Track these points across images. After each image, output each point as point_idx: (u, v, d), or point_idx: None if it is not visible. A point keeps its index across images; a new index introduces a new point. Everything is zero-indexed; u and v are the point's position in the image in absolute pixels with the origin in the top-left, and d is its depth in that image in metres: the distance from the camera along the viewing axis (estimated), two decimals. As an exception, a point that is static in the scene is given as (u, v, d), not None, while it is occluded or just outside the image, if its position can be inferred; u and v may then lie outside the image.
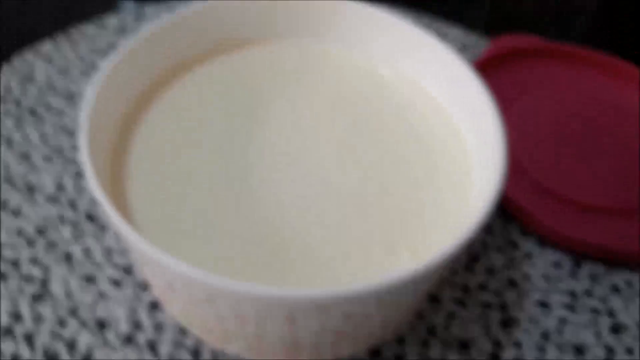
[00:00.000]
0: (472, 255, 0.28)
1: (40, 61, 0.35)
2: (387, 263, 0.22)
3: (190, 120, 0.26)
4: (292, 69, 0.28)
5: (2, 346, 0.24)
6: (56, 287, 0.26)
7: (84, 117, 0.21)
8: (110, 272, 0.26)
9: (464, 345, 0.25)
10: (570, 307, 0.27)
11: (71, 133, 0.32)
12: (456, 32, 0.40)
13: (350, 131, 0.26)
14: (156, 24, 0.26)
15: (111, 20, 0.38)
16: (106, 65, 0.23)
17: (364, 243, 0.22)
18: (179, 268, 0.17)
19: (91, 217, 0.28)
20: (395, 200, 0.24)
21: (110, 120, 0.24)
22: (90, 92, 0.22)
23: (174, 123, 0.25)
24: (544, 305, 0.27)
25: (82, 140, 0.21)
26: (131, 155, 0.24)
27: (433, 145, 0.26)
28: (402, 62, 0.28)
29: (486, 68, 0.35)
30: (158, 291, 0.23)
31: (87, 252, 0.27)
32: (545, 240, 0.29)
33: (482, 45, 0.39)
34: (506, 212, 0.30)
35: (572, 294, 0.28)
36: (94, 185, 0.19)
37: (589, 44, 0.39)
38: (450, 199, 0.24)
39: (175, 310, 0.23)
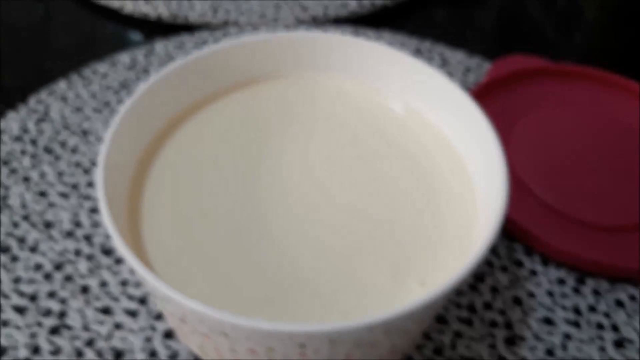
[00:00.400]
0: (477, 276, 0.29)
1: (55, 100, 0.36)
2: (396, 292, 0.22)
3: (204, 157, 0.27)
4: (302, 104, 0.29)
5: (24, 379, 0.25)
6: (73, 320, 0.27)
7: (101, 156, 0.23)
8: (126, 303, 0.27)
9: (471, 365, 0.26)
10: (575, 323, 0.27)
11: (86, 170, 0.33)
12: (459, 55, 0.41)
13: (356, 161, 0.27)
14: (169, 68, 0.27)
15: (122, 58, 0.40)
16: (122, 107, 0.24)
17: (372, 273, 0.23)
18: (190, 305, 0.18)
19: (107, 251, 0.29)
20: (401, 230, 0.24)
21: (127, 158, 0.25)
22: (108, 133, 0.23)
23: (188, 160, 0.26)
24: (548, 322, 0.27)
25: (99, 179, 0.22)
26: (147, 192, 0.25)
27: (437, 174, 0.26)
28: (405, 94, 0.29)
29: (489, 90, 0.36)
30: (172, 322, 0.24)
31: (103, 284, 0.28)
32: (549, 258, 0.30)
33: (485, 67, 0.40)
34: (510, 232, 0.30)
35: (576, 310, 0.28)
36: (107, 221, 0.20)
37: (592, 58, 0.39)
38: (455, 226, 0.24)
39: (189, 341, 0.24)
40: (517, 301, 0.28)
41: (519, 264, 0.30)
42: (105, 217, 0.21)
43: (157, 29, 0.43)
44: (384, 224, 0.24)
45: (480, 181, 0.25)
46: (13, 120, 0.35)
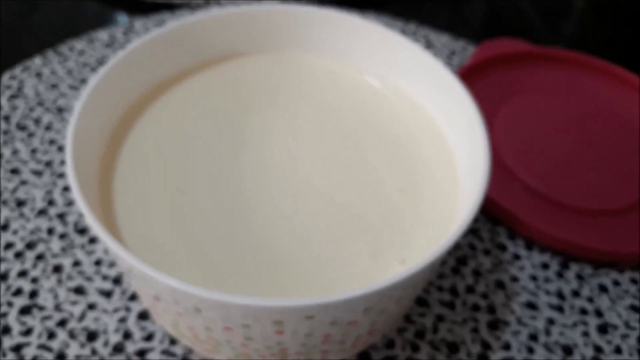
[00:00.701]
0: (459, 259, 0.28)
1: (29, 77, 0.35)
2: (375, 271, 0.22)
3: (181, 131, 0.26)
4: (279, 80, 0.28)
5: (-9, 360, 0.24)
6: (45, 300, 0.26)
7: (70, 131, 0.22)
8: (100, 283, 0.26)
9: (453, 348, 0.25)
10: (558, 308, 0.27)
11: (61, 147, 0.32)
12: (444, 38, 0.40)
13: (338, 141, 0.26)
14: (142, 39, 0.26)
15: (100, 35, 0.38)
16: (92, 80, 0.23)
17: (351, 252, 0.22)
18: (166, 281, 0.17)
19: (80, 230, 0.28)
20: (381, 209, 0.24)
21: (98, 134, 0.24)
22: (77, 107, 0.22)
23: (164, 134, 0.25)
24: (532, 306, 0.27)
25: (69, 155, 0.21)
26: (119, 168, 0.24)
27: (419, 153, 0.26)
28: (389, 72, 0.28)
29: (474, 73, 0.36)
30: (147, 302, 0.23)
31: (76, 264, 0.27)
32: (533, 242, 0.29)
33: (470, 50, 0.40)
34: (494, 216, 0.30)
35: (560, 295, 0.27)
36: (78, 197, 0.19)
37: (579, 47, 0.39)
38: (436, 205, 0.24)
39: (164, 321, 0.23)
40: (500, 285, 0.28)
41: (503, 247, 0.29)
42: (75, 191, 0.20)
43: (140, 8, 0.42)
44: (363, 203, 0.24)
45: (463, 161, 0.25)
46: None
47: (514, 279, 0.28)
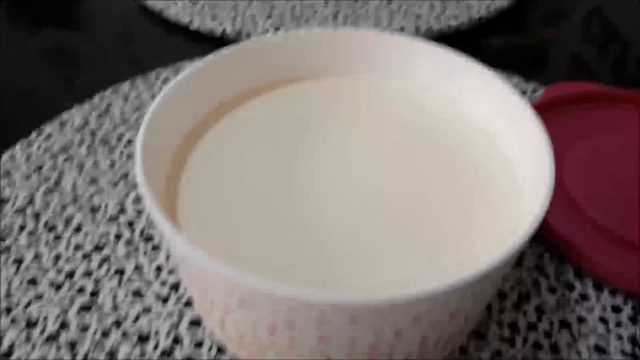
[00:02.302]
0: (522, 295, 0.26)
1: (117, 98, 0.37)
2: (430, 277, 0.20)
3: (245, 145, 0.26)
4: (341, 100, 0.28)
5: (46, 351, 0.24)
6: (105, 300, 0.26)
7: (139, 141, 0.22)
8: (158, 288, 0.26)
9: (510, 386, 0.23)
10: (633, 355, 0.24)
11: (137, 161, 0.33)
12: (514, 79, 0.39)
13: (398, 154, 0.25)
14: (208, 60, 0.26)
15: (185, 65, 0.40)
16: (164, 89, 0.24)
17: (411, 255, 0.21)
18: (217, 268, 0.17)
19: (147, 238, 0.28)
20: (442, 217, 0.22)
21: (164, 150, 0.24)
22: (147, 113, 0.23)
23: (229, 147, 0.26)
24: (601, 350, 0.24)
25: (138, 162, 0.21)
26: (184, 182, 0.24)
27: (484, 174, 0.25)
28: (455, 92, 0.28)
29: (544, 111, 0.34)
30: (198, 303, 0.23)
31: (138, 268, 0.27)
32: (603, 282, 0.27)
33: (540, 91, 0.38)
34: (562, 254, 0.28)
35: (634, 342, 0.25)
36: (146, 193, 0.20)
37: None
38: (496, 222, 0.22)
39: (213, 321, 0.23)
40: (566, 325, 0.25)
41: (570, 286, 0.27)
42: (143, 188, 0.20)
43: (221, 45, 0.44)
44: (423, 211, 0.23)
45: (528, 185, 0.23)
46: (77, 114, 0.36)
47: (581, 320, 0.25)
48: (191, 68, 0.25)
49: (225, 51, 0.27)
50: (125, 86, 0.38)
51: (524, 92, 0.38)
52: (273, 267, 0.20)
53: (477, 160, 0.25)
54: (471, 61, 0.27)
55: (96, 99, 0.37)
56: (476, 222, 0.22)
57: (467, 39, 0.45)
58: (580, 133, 0.33)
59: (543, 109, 0.34)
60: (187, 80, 0.25)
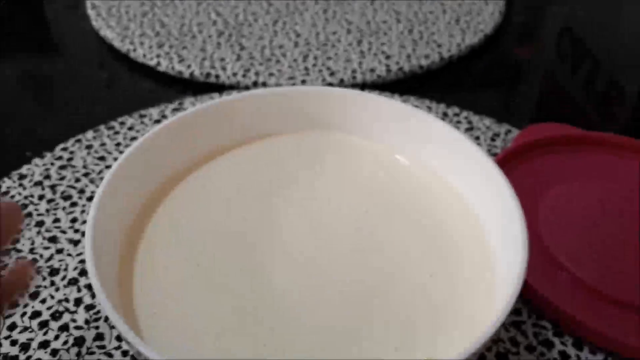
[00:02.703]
0: (501, 355, 0.25)
1: (79, 149, 0.35)
2: None
3: (206, 211, 0.25)
4: (309, 159, 0.27)
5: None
6: None
7: (89, 221, 0.21)
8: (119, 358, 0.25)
9: None
10: (614, 418, 0.23)
11: (99, 217, 0.31)
12: (487, 121, 0.39)
13: (367, 220, 0.24)
14: (164, 125, 0.25)
15: (151, 112, 0.39)
16: (115, 164, 0.23)
17: (378, 343, 0.20)
18: None
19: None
20: (410, 296, 0.21)
21: (120, 217, 0.23)
22: (98, 192, 0.22)
23: (187, 213, 0.24)
24: (582, 414, 0.23)
25: (87, 247, 0.20)
26: (144, 241, 0.23)
27: (451, 237, 0.24)
28: (422, 152, 0.27)
29: (517, 156, 0.33)
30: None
31: (98, 338, 0.25)
32: (583, 340, 0.26)
33: (513, 134, 0.38)
34: (539, 309, 0.27)
35: (615, 403, 0.24)
36: (102, 299, 0.18)
37: (633, 133, 0.36)
38: (469, 293, 0.21)
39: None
40: (546, 387, 0.24)
41: (549, 344, 0.26)
42: (100, 296, 0.18)
43: (190, 87, 0.43)
44: (392, 289, 0.22)
45: (498, 246, 0.22)
46: (37, 166, 0.34)
47: (562, 381, 0.24)
48: (138, 143, 0.24)
49: (177, 117, 0.26)
50: (87, 135, 0.36)
51: (496, 135, 0.37)
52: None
53: (446, 226, 0.24)
54: (433, 118, 0.26)
55: (57, 150, 0.35)
56: (447, 301, 0.21)
57: (438, 78, 0.44)
58: (555, 178, 0.33)
59: (515, 155, 0.33)
60: (137, 153, 0.24)
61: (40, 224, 0.31)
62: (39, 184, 0.33)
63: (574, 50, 0.48)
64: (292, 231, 0.24)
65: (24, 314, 0.26)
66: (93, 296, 0.27)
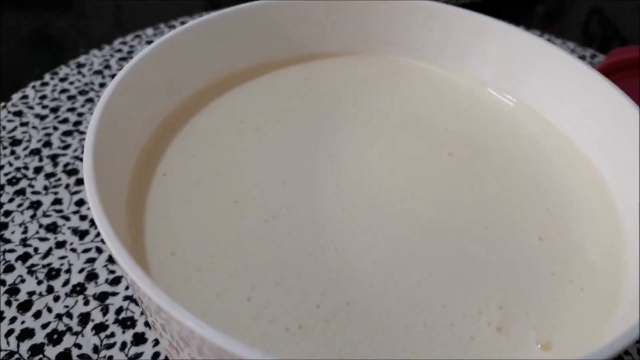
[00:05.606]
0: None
1: (140, 44, 0.33)
2: (502, 349, 0.13)
3: (235, 139, 0.19)
4: (370, 84, 0.21)
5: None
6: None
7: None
8: None
9: None
10: None
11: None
12: (571, 44, 0.31)
13: (452, 166, 0.18)
14: (179, 32, 0.19)
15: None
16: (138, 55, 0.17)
17: (467, 318, 0.14)
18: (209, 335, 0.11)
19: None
20: (512, 262, 0.16)
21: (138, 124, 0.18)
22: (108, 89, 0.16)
23: (222, 131, 0.19)
24: None
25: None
26: (164, 162, 0.17)
27: (564, 188, 0.18)
28: (522, 87, 0.20)
29: (610, 74, 0.27)
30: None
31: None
32: None
33: (599, 58, 0.30)
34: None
35: None
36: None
37: None
38: (591, 264, 0.16)
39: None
40: None
41: None
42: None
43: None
44: (486, 251, 0.16)
45: (629, 208, 0.16)
46: (95, 57, 0.31)
47: None
48: (157, 43, 0.18)
49: (206, 17, 0.19)
50: (148, 32, 0.34)
51: (582, 58, 0.29)
52: (277, 321, 0.14)
53: (555, 173, 0.18)
54: (537, 39, 0.19)
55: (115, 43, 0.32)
56: (560, 271, 0.15)
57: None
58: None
59: (610, 72, 0.28)
60: (149, 60, 0.18)
61: (35, 205, 0.24)
62: (98, 72, 0.30)
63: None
64: (355, 174, 0.18)
65: (9, 332, 0.19)
66: (105, 311, 0.20)
